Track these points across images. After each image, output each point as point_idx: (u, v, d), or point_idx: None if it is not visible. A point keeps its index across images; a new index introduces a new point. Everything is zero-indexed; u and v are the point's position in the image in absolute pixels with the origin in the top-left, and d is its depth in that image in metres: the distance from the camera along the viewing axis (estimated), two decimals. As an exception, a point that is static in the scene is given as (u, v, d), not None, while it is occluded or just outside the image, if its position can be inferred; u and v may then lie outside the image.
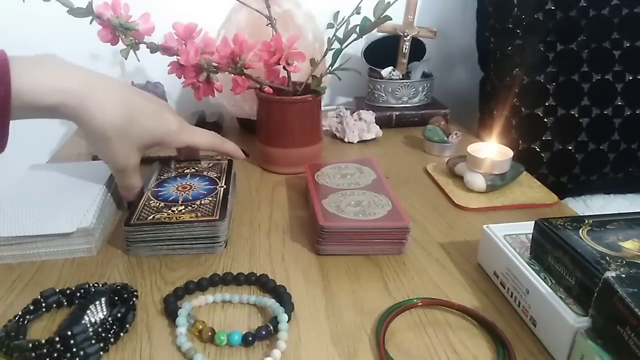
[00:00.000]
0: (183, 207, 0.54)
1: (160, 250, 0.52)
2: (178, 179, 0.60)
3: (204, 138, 0.60)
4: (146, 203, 0.55)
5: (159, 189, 0.58)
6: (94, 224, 0.52)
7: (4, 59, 0.44)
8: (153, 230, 0.51)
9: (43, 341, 0.37)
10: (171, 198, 0.56)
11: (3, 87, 0.43)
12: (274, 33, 0.67)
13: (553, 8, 0.86)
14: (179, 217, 0.51)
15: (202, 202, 0.55)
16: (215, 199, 0.55)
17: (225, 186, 0.59)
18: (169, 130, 0.56)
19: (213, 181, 0.60)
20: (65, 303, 0.45)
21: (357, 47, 0.87)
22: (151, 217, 0.52)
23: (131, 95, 0.53)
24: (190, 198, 0.56)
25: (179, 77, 0.66)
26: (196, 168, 0.64)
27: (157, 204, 0.55)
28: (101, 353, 0.39)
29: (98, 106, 0.49)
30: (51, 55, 0.49)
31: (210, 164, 0.65)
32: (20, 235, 0.50)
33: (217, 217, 0.52)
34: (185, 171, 0.63)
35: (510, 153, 0.67)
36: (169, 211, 0.53)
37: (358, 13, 0.66)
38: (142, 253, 0.52)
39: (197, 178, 0.61)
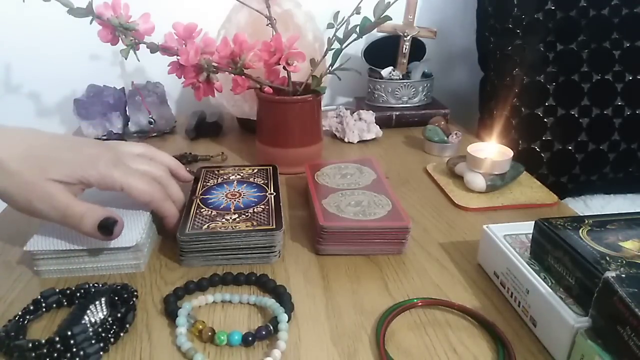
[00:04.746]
0: (237, 215, 0.53)
1: (214, 260, 0.50)
2: (225, 185, 0.60)
3: (141, 185, 0.48)
4: (197, 211, 0.53)
5: (207, 196, 0.57)
6: (143, 239, 0.50)
7: None
8: (209, 240, 0.49)
9: (43, 341, 0.37)
10: (222, 206, 0.55)
11: None
12: (274, 33, 0.67)
13: (553, 8, 0.86)
14: (235, 227, 0.50)
15: (255, 210, 0.54)
16: (267, 207, 0.54)
17: (274, 193, 0.58)
18: (92, 163, 0.46)
19: (261, 188, 0.59)
20: (65, 303, 0.45)
21: (357, 47, 0.87)
22: (205, 226, 0.50)
23: (32, 135, 0.47)
24: (242, 206, 0.55)
25: (179, 77, 0.66)
26: (241, 174, 0.63)
27: (209, 212, 0.53)
28: (101, 353, 0.39)
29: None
30: None
31: (255, 170, 0.64)
32: (67, 249, 0.48)
33: (274, 226, 0.51)
34: (231, 177, 0.62)
35: (510, 153, 0.67)
36: (223, 220, 0.52)
37: (358, 13, 0.66)
38: (195, 264, 0.51)
39: (245, 185, 0.60)
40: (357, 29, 0.65)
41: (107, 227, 0.46)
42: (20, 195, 0.44)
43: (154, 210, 0.52)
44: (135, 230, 0.50)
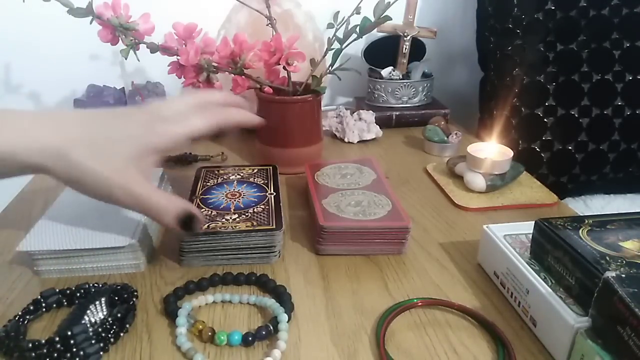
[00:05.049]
0: (237, 215, 0.53)
1: (214, 260, 0.51)
2: (225, 185, 0.60)
3: (198, 121, 0.47)
4: None
5: (207, 196, 0.57)
6: (142, 239, 0.50)
7: None
8: (209, 240, 0.50)
9: (43, 341, 0.37)
10: (222, 206, 0.55)
11: None
12: (274, 33, 0.67)
13: (553, 8, 0.86)
14: (235, 227, 0.50)
15: (255, 210, 0.54)
16: (267, 207, 0.55)
17: (274, 193, 0.58)
18: (147, 129, 0.45)
19: (261, 188, 0.59)
20: (65, 303, 0.45)
21: (357, 47, 0.87)
22: (205, 226, 0.50)
23: (83, 114, 0.45)
24: (242, 206, 0.55)
25: (179, 77, 0.66)
26: (241, 174, 0.63)
27: (209, 212, 0.53)
28: (101, 353, 0.39)
29: (53, 136, 0.41)
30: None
31: (255, 170, 0.64)
32: (67, 249, 0.48)
33: (274, 226, 0.51)
34: (231, 177, 0.62)
35: (510, 153, 0.67)
36: (223, 220, 0.52)
37: (358, 13, 0.66)
38: (196, 264, 0.51)
39: (245, 184, 0.60)
40: (357, 29, 0.65)
41: (187, 223, 0.45)
42: (98, 187, 0.42)
43: (227, 125, 0.50)
44: (132, 229, 0.50)
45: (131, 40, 0.63)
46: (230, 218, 0.52)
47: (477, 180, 0.65)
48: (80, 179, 0.42)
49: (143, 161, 0.45)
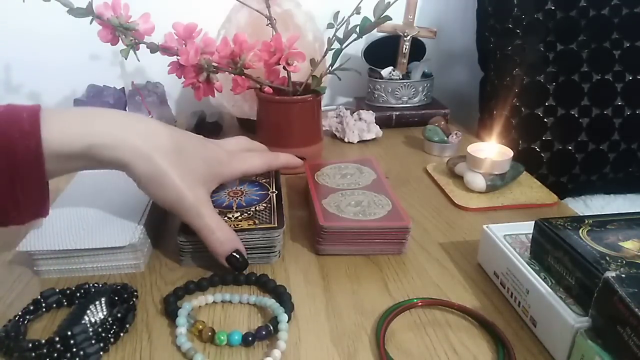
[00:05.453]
0: (239, 213, 0.53)
1: (214, 260, 0.50)
2: (227, 184, 0.59)
3: (257, 161, 0.56)
4: None
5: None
6: (142, 239, 0.50)
7: (36, 110, 0.41)
8: None
9: (43, 341, 0.37)
10: (225, 204, 0.54)
11: (33, 139, 0.40)
12: (274, 33, 0.67)
13: (553, 8, 0.86)
14: (237, 225, 0.50)
15: (257, 208, 0.54)
16: (269, 205, 0.54)
17: (276, 192, 0.58)
18: (221, 159, 0.51)
19: (263, 186, 0.59)
20: (65, 303, 0.45)
21: (357, 47, 0.87)
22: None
23: (171, 127, 0.48)
24: (244, 204, 0.55)
25: (179, 77, 0.66)
26: None
27: None
28: (101, 353, 0.39)
29: (142, 138, 0.44)
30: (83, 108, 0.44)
31: None
32: (67, 249, 0.48)
33: (276, 225, 0.51)
34: None
35: (510, 153, 0.67)
36: (225, 218, 0.51)
37: (358, 13, 0.66)
38: (195, 264, 0.51)
39: (247, 183, 0.60)
40: (357, 29, 0.65)
41: (233, 263, 0.47)
42: (169, 193, 0.45)
43: (277, 168, 0.60)
44: (132, 229, 0.50)
45: (131, 40, 0.63)
46: (233, 216, 0.52)
47: (477, 180, 0.65)
48: (156, 180, 0.45)
49: (208, 183, 0.50)
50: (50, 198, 0.45)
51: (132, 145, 0.43)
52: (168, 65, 0.65)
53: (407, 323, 0.43)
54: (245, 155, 0.55)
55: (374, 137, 0.86)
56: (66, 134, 0.41)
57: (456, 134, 0.79)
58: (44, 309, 0.44)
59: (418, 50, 0.98)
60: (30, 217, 0.44)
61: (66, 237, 0.48)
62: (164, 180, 0.44)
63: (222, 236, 0.47)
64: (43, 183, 0.43)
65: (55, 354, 0.37)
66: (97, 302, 0.42)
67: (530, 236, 0.45)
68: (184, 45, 0.63)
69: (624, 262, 0.38)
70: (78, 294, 0.45)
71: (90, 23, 0.62)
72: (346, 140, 0.86)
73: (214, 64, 0.65)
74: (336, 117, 0.89)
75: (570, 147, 0.89)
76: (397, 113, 0.93)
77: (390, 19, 0.64)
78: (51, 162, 0.41)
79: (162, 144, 0.45)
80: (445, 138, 0.79)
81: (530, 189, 0.67)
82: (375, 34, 0.95)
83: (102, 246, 0.48)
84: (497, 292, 0.47)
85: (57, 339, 0.37)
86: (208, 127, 0.88)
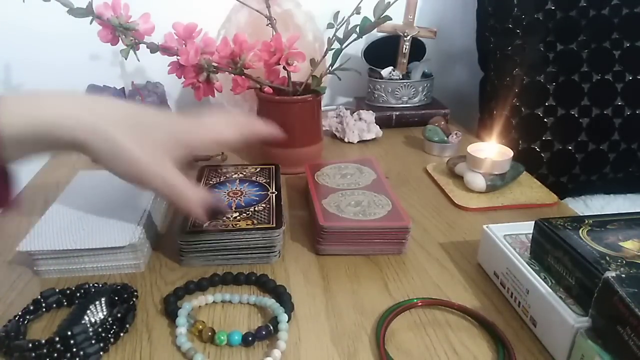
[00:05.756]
0: (237, 213, 0.53)
1: (214, 260, 0.51)
2: (227, 184, 0.60)
3: (227, 128, 0.52)
4: None
5: None
6: (142, 239, 0.50)
7: None
8: (209, 238, 0.50)
9: (43, 341, 0.37)
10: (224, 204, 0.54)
11: None
12: (274, 33, 0.67)
13: (553, 8, 0.86)
14: (235, 225, 0.50)
15: (256, 208, 0.54)
16: (268, 206, 0.55)
17: (276, 192, 0.58)
18: (187, 129, 0.48)
19: (263, 187, 0.59)
20: (65, 303, 0.45)
21: (357, 47, 0.87)
22: (206, 224, 0.50)
23: (128, 103, 0.47)
24: (243, 204, 0.55)
25: (179, 77, 0.66)
26: (244, 173, 0.63)
27: None
28: (101, 353, 0.39)
29: (96, 114, 0.42)
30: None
31: (257, 169, 0.64)
32: (67, 249, 0.48)
33: (275, 225, 0.51)
34: (234, 176, 0.62)
35: (510, 153, 0.67)
36: (224, 218, 0.51)
37: (358, 13, 0.66)
38: (196, 264, 0.51)
39: (247, 183, 0.60)
40: (357, 29, 0.65)
41: (211, 213, 0.47)
42: (130, 166, 0.44)
43: (253, 138, 0.53)
44: (132, 229, 0.50)
45: (131, 40, 0.63)
46: (231, 216, 0.52)
47: (477, 180, 0.65)
48: (114, 155, 0.43)
49: (174, 152, 0.47)
50: (15, 188, 0.43)
51: (86, 123, 0.41)
52: (168, 65, 0.65)
53: (407, 323, 0.43)
54: (215, 122, 0.52)
55: (374, 137, 0.86)
56: (18, 117, 0.40)
57: (456, 134, 0.79)
58: (44, 309, 0.44)
59: (418, 50, 0.98)
60: None
61: (66, 237, 0.48)
62: (123, 154, 0.43)
63: (191, 193, 0.46)
64: (1, 169, 0.41)
65: (55, 354, 0.37)
66: (97, 302, 0.42)
67: (530, 236, 0.45)
68: (184, 45, 0.63)
69: (624, 262, 0.38)
70: (78, 294, 0.45)
71: (90, 23, 0.62)
72: (346, 140, 0.86)
73: (214, 64, 0.65)
74: (336, 117, 0.89)
75: (570, 147, 0.89)
76: (397, 113, 0.93)
77: (390, 19, 0.64)
78: (6, 147, 0.40)
79: (117, 119, 0.43)
80: (445, 138, 0.79)
81: (530, 189, 0.67)
82: (375, 34, 0.95)
83: (102, 246, 0.48)
84: (497, 292, 0.47)
85: (57, 339, 0.37)
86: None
